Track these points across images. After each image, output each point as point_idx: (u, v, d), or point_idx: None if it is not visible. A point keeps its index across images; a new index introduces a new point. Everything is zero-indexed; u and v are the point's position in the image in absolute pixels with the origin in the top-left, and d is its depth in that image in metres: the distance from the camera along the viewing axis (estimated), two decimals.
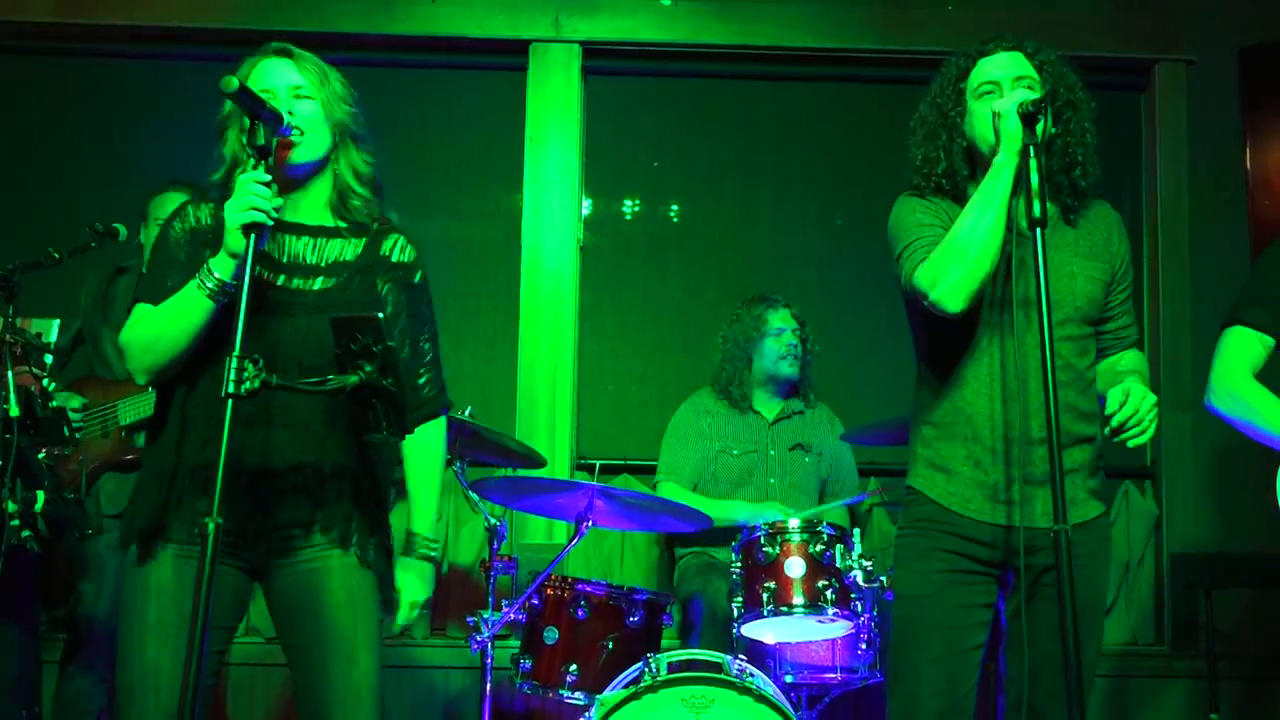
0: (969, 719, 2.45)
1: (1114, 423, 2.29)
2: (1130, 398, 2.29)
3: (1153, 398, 2.32)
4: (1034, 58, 2.49)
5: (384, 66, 4.52)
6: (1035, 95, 2.33)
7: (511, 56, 4.62)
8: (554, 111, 4.58)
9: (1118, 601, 4.60)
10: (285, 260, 2.29)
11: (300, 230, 2.32)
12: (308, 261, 2.30)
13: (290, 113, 2.22)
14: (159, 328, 2.19)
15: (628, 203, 4.78)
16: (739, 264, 4.70)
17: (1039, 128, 2.29)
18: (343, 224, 2.35)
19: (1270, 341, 2.82)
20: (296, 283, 2.28)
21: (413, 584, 2.41)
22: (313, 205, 2.34)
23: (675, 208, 4.79)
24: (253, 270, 2.08)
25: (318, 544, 2.24)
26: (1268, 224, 4.45)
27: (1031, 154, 2.27)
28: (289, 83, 2.27)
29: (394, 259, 2.38)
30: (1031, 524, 2.36)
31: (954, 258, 2.33)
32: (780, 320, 3.95)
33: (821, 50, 4.65)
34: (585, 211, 4.68)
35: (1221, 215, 4.62)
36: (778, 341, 3.93)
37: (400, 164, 4.27)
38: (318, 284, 2.29)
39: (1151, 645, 4.63)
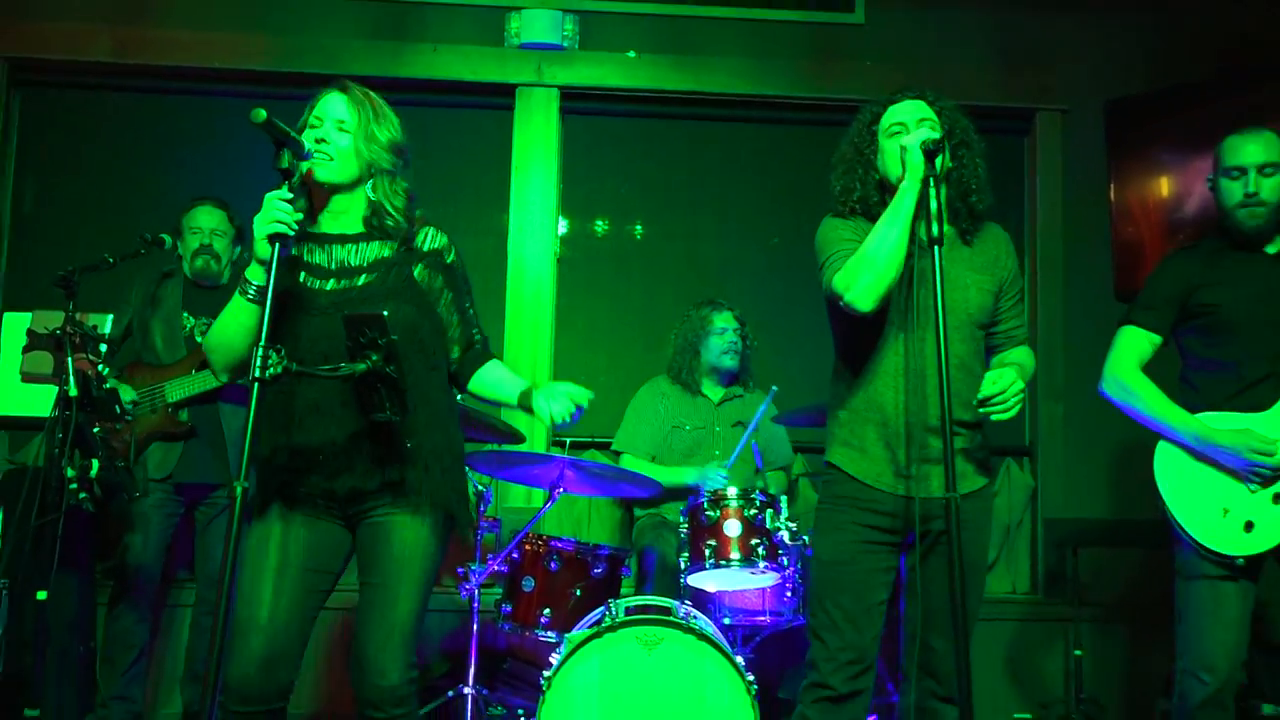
0: (874, 659, 2.47)
1: (980, 395, 2.30)
2: (1000, 380, 2.30)
3: (1021, 384, 2.32)
4: (934, 104, 2.49)
5: (393, 105, 4.47)
6: (936, 135, 2.35)
7: (500, 98, 4.60)
8: (536, 145, 4.56)
9: (1000, 559, 4.64)
10: (332, 267, 2.29)
11: (343, 239, 2.32)
12: (350, 264, 2.30)
13: (321, 140, 2.22)
14: (219, 333, 2.26)
15: (598, 223, 4.77)
16: (690, 274, 4.68)
17: (938, 161, 2.31)
18: (378, 231, 2.34)
19: (1157, 339, 2.85)
20: (344, 283, 2.28)
21: (548, 401, 2.32)
22: (352, 219, 2.34)
23: (638, 227, 4.78)
24: (301, 282, 2.09)
25: (386, 504, 2.25)
26: (1127, 246, 4.47)
27: (931, 183, 2.29)
28: (336, 115, 2.28)
29: (426, 248, 2.36)
30: (928, 495, 2.37)
31: (865, 266, 2.34)
32: (723, 321, 3.95)
33: (761, 97, 4.65)
34: (562, 230, 4.66)
35: (1089, 238, 4.63)
36: (721, 339, 3.93)
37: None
38: (360, 280, 2.28)
39: (1028, 594, 4.66)
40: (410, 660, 2.24)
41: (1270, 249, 2.80)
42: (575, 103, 4.64)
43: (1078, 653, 4.32)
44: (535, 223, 4.53)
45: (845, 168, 2.55)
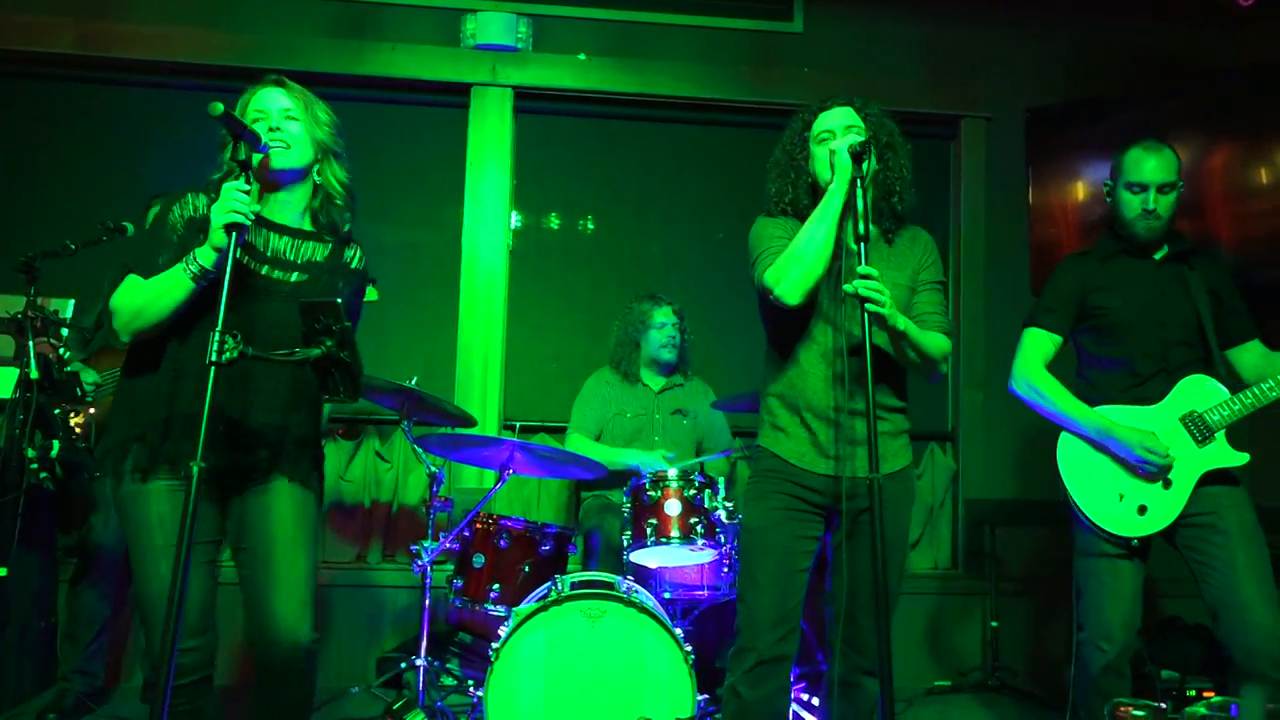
0: (797, 624, 2.48)
1: (860, 270, 2.25)
2: (881, 285, 2.26)
3: (891, 313, 2.28)
4: (861, 111, 2.52)
5: (352, 101, 4.42)
6: (862, 139, 2.37)
7: (456, 97, 4.57)
8: (490, 142, 4.54)
9: (924, 537, 4.71)
10: (269, 254, 2.27)
11: (283, 230, 2.29)
12: (287, 258, 2.28)
13: (276, 129, 2.20)
14: (146, 299, 2.14)
15: (549, 218, 4.75)
16: (636, 268, 4.69)
17: (865, 165, 2.33)
18: (316, 230, 2.33)
19: (1059, 339, 2.91)
20: (277, 274, 2.26)
21: None
22: (295, 210, 2.32)
23: (587, 223, 4.77)
24: (239, 260, 2.06)
25: (272, 478, 2.24)
26: (1045, 246, 4.54)
27: (857, 184, 2.31)
28: (280, 106, 2.26)
29: (353, 266, 2.39)
30: (853, 475, 2.40)
31: (794, 262, 2.36)
32: (662, 315, 3.96)
33: (706, 100, 4.67)
34: (514, 223, 4.64)
35: (1010, 238, 4.72)
36: (660, 333, 3.93)
37: (364, 182, 4.13)
38: (294, 277, 2.27)
39: (949, 570, 4.74)
40: (315, 617, 2.22)
41: (1157, 255, 2.87)
42: (528, 102, 4.62)
43: (994, 624, 4.43)
44: (489, 217, 4.51)
45: (779, 171, 2.58)
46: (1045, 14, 4.82)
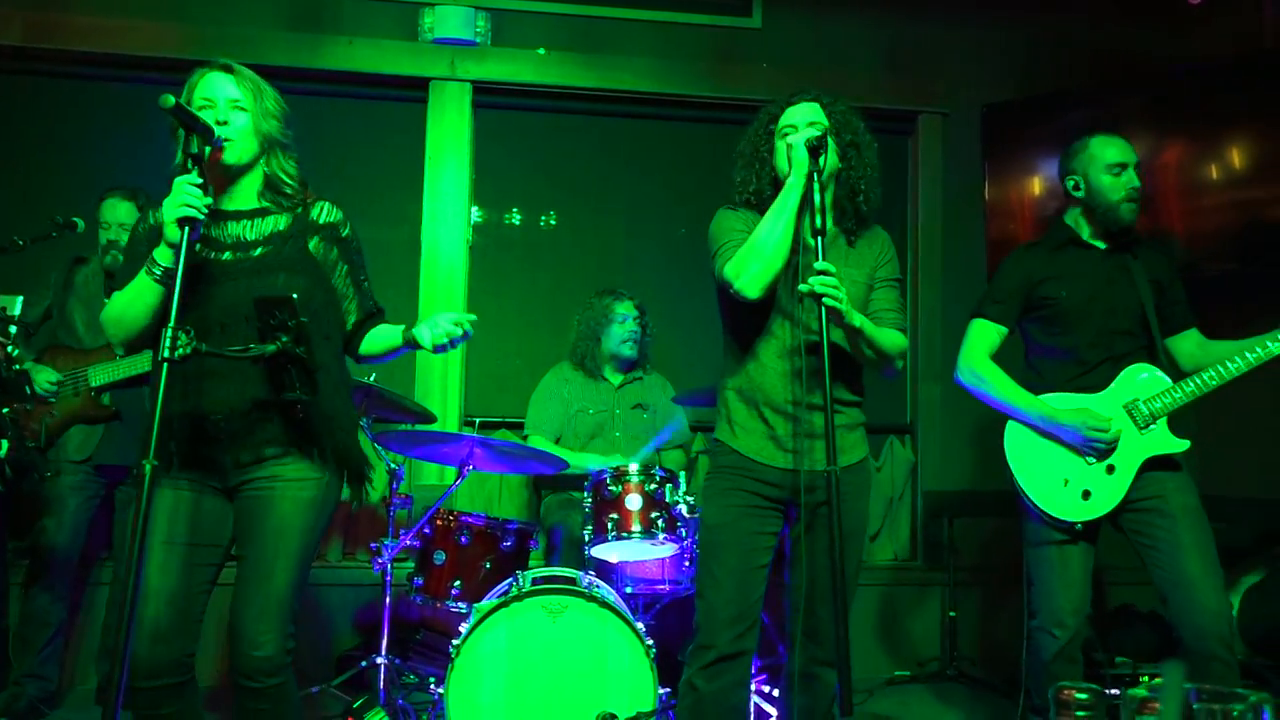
0: (757, 620, 2.49)
1: (818, 266, 2.26)
2: (837, 280, 2.27)
3: (847, 309, 2.30)
4: (827, 107, 2.52)
5: (310, 95, 4.38)
6: (818, 133, 2.37)
7: (415, 91, 4.54)
8: (449, 137, 4.51)
9: (884, 529, 4.76)
10: (228, 240, 2.24)
11: (239, 215, 2.27)
12: (248, 238, 2.25)
13: (223, 121, 2.17)
14: (123, 309, 2.18)
15: (509, 213, 4.74)
16: (596, 263, 4.69)
17: (822, 159, 2.34)
18: (273, 205, 2.30)
19: (1004, 330, 2.95)
20: (238, 255, 2.23)
21: (429, 329, 2.28)
22: (247, 195, 2.30)
23: (547, 217, 4.77)
24: (197, 252, 2.05)
25: (268, 475, 2.20)
26: (1000, 240, 4.59)
27: (815, 178, 2.32)
28: (228, 95, 2.22)
29: (321, 220, 2.33)
30: (811, 468, 2.42)
31: (753, 256, 2.37)
32: (624, 309, 3.95)
33: (665, 95, 4.67)
34: (474, 218, 4.63)
35: (966, 233, 4.77)
36: (621, 328, 3.93)
37: (322, 176, 4.10)
38: (256, 252, 2.24)
39: (909, 561, 4.79)
40: (287, 632, 2.17)
41: (1102, 244, 2.92)
42: (487, 97, 4.60)
43: (952, 614, 4.49)
44: (448, 211, 4.49)
45: (743, 163, 2.58)
46: (1001, 11, 4.88)
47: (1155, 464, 2.77)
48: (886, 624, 4.63)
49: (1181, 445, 2.77)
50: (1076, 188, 2.93)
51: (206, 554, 2.22)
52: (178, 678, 2.15)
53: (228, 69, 2.24)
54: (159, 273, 2.10)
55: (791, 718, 2.54)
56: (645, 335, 4.00)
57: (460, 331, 2.28)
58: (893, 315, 2.55)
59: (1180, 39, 4.80)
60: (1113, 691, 0.87)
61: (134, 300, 2.15)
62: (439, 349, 2.28)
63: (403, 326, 2.35)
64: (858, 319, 2.37)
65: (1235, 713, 0.82)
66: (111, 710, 1.80)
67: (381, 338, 2.39)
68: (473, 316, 2.30)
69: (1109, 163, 2.87)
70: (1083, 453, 2.79)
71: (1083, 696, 0.90)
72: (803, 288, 2.29)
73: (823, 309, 2.27)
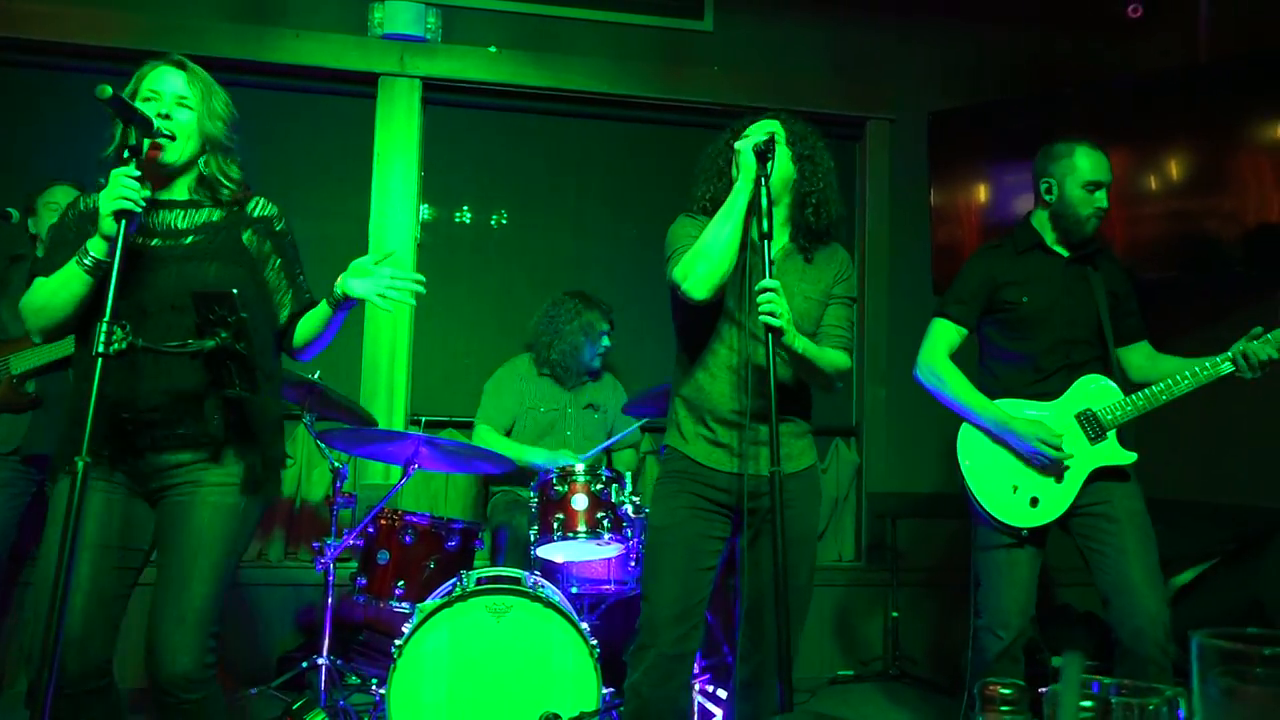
0: (701, 621, 2.49)
1: (761, 285, 2.29)
2: (781, 301, 2.30)
3: (787, 318, 2.32)
4: (785, 124, 2.53)
5: (255, 88, 4.32)
6: (764, 137, 2.39)
7: (363, 86, 4.49)
8: (398, 134, 4.48)
9: (829, 529, 4.81)
10: (160, 228, 2.21)
11: (173, 205, 2.24)
12: (179, 227, 2.22)
13: (164, 115, 2.14)
14: (47, 297, 2.13)
15: (458, 211, 4.71)
16: (547, 263, 4.68)
17: (770, 164, 2.37)
18: (207, 200, 2.27)
19: (965, 331, 2.99)
20: (168, 242, 2.20)
21: (361, 283, 2.28)
22: (181, 189, 2.27)
23: (496, 216, 4.75)
24: (132, 242, 2.01)
25: (191, 480, 2.17)
26: (946, 246, 4.64)
27: (762, 182, 2.35)
28: (175, 90, 2.19)
29: (256, 214, 2.31)
30: (757, 473, 2.42)
31: (700, 258, 2.38)
32: (605, 325, 3.95)
33: (616, 96, 4.67)
34: (423, 216, 4.60)
35: (912, 238, 4.82)
36: (597, 344, 3.93)
37: (267, 171, 4.07)
38: (187, 241, 2.21)
39: (853, 561, 4.84)
40: (207, 645, 2.12)
41: (1065, 252, 2.98)
42: (437, 94, 4.57)
43: (895, 614, 4.55)
44: (396, 209, 4.46)
45: (704, 177, 2.61)
46: (948, 19, 4.96)
47: (1103, 473, 2.83)
48: (831, 624, 4.67)
49: (1129, 458, 2.83)
50: (1049, 191, 2.95)
51: (131, 558, 2.19)
52: (99, 682, 2.12)
53: (180, 65, 2.22)
54: (90, 263, 2.06)
55: None
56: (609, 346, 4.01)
57: (410, 289, 2.25)
58: (841, 334, 2.57)
59: (1121, 51, 4.92)
60: (1042, 690, 0.89)
61: (59, 289, 2.10)
62: (382, 303, 2.26)
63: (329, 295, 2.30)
64: (800, 344, 2.39)
65: (1151, 706, 0.85)
66: (40, 714, 1.77)
67: (311, 318, 2.35)
68: (419, 276, 2.29)
69: (1087, 179, 2.89)
70: (1030, 462, 2.84)
71: (1007, 692, 0.92)
72: (760, 316, 2.29)
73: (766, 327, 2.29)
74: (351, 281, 2.27)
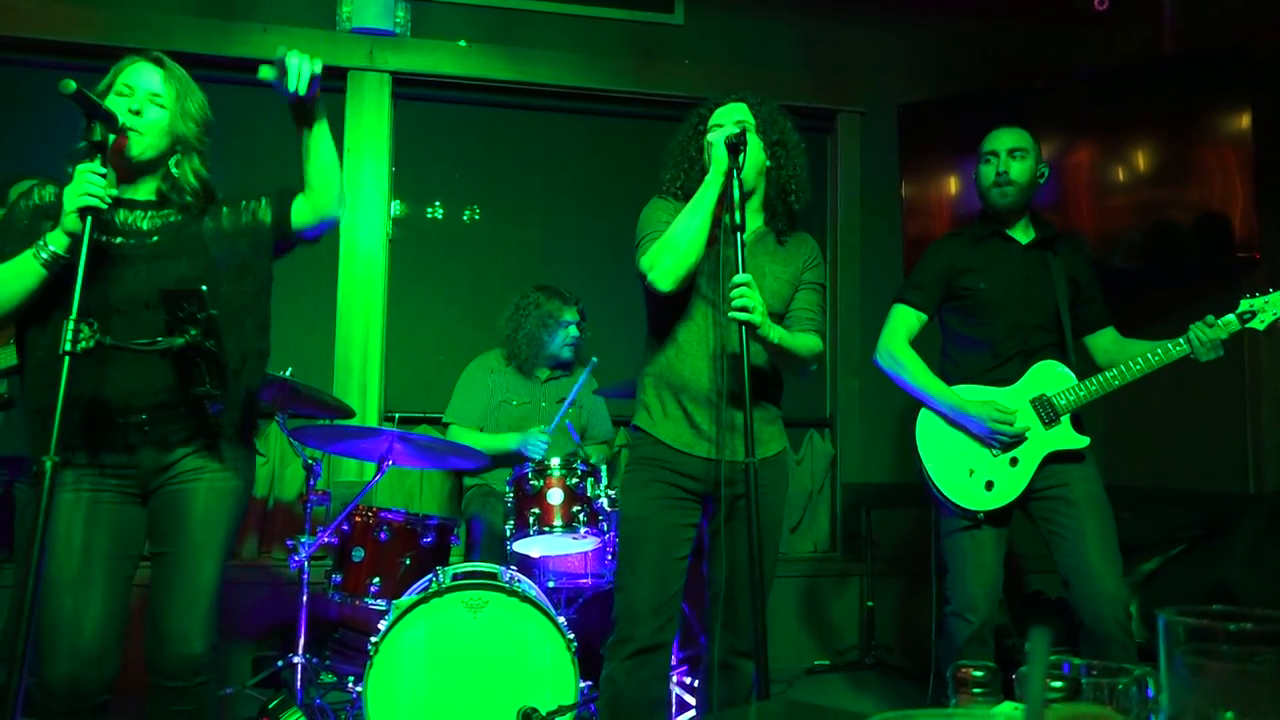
0: (676, 612, 2.51)
1: (735, 280, 2.30)
2: (754, 295, 2.31)
3: (761, 312, 2.32)
4: (754, 107, 2.55)
5: (222, 83, 4.27)
6: (737, 130, 2.40)
7: (332, 81, 4.41)
8: (368, 129, 4.45)
9: (804, 520, 4.84)
10: (124, 227, 2.19)
11: (136, 205, 2.21)
12: (142, 227, 2.20)
13: (136, 111, 2.12)
14: None
15: (429, 206, 4.69)
16: (518, 258, 4.67)
17: (741, 156, 2.36)
18: (173, 201, 2.24)
19: (924, 317, 3.02)
20: (132, 241, 2.18)
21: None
22: (147, 188, 2.24)
23: (468, 211, 4.73)
24: (95, 240, 1.99)
25: (186, 470, 2.17)
26: (917, 237, 4.68)
27: (734, 175, 2.35)
28: (149, 87, 2.17)
29: (211, 212, 2.28)
30: (731, 459, 2.42)
31: (667, 250, 2.40)
32: (570, 315, 3.93)
33: (586, 89, 4.67)
34: (394, 212, 4.57)
35: (883, 230, 4.86)
36: (565, 332, 3.91)
37: (235, 167, 4.06)
38: (152, 240, 2.19)
39: (829, 552, 4.87)
40: (213, 626, 2.17)
41: (1023, 239, 3.01)
42: (407, 88, 4.55)
43: (869, 603, 4.58)
44: (367, 204, 4.43)
45: (673, 161, 2.61)
46: (917, 11, 4.98)
47: (1059, 456, 2.86)
48: (806, 614, 4.70)
49: (1082, 442, 2.87)
50: (976, 177, 3.06)
51: (128, 566, 2.18)
52: (104, 698, 2.12)
53: (159, 62, 2.20)
54: (47, 257, 2.03)
55: (711, 709, 2.56)
56: (582, 336, 4.00)
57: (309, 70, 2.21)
58: (812, 318, 2.59)
59: (1088, 43, 4.97)
60: (1014, 675, 0.91)
61: (11, 279, 2.05)
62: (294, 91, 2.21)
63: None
64: (775, 334, 2.40)
65: (1120, 685, 0.86)
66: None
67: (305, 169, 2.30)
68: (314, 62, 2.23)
69: (983, 150, 3.02)
70: (987, 443, 2.87)
71: (979, 674, 0.94)
72: (732, 315, 2.30)
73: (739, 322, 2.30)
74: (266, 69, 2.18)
